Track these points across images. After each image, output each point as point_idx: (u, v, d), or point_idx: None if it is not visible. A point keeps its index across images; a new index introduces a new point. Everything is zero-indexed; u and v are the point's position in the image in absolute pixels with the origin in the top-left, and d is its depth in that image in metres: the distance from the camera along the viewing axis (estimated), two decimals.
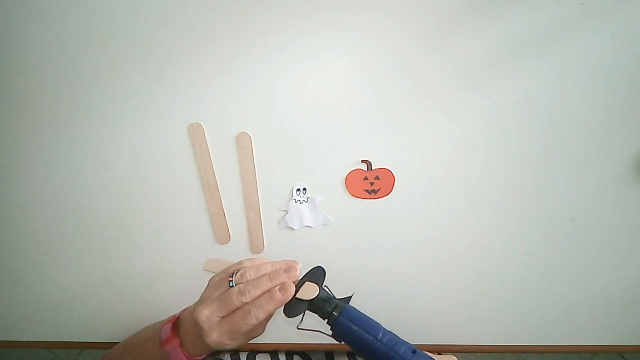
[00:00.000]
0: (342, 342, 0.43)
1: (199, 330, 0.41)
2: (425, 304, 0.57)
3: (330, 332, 0.43)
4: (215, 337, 0.41)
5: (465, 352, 0.58)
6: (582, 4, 0.48)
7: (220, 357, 0.57)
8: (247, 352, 0.58)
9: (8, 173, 0.55)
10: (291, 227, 0.55)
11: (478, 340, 0.58)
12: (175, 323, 0.48)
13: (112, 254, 0.57)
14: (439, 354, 0.63)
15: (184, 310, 0.49)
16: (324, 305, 0.42)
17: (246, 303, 0.41)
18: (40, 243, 0.57)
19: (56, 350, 1.26)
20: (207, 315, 0.41)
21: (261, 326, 0.44)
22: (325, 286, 0.45)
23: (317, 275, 0.44)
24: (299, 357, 0.58)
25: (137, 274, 0.58)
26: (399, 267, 0.56)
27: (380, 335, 0.41)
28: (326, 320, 0.43)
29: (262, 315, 0.41)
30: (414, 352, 0.40)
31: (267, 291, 0.42)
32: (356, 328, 0.41)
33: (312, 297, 0.42)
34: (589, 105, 0.50)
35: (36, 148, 0.54)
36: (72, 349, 1.06)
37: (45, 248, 0.57)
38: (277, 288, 0.42)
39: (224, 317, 0.41)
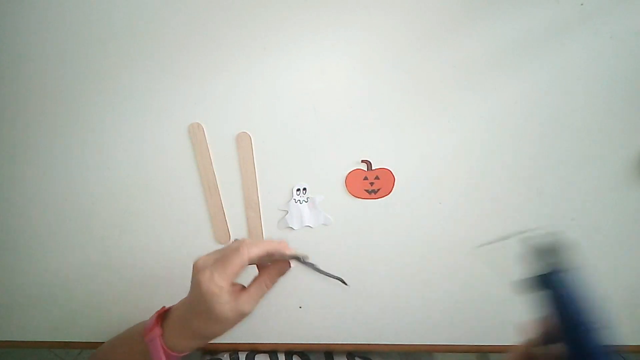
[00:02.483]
0: (540, 295, 0.40)
1: (195, 290, 0.41)
2: (425, 304, 0.57)
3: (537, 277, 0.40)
4: (207, 274, 0.40)
5: (465, 352, 0.58)
6: (582, 4, 0.48)
7: (219, 357, 0.57)
8: (247, 353, 0.58)
9: (8, 173, 0.55)
10: (291, 227, 0.55)
11: (478, 340, 0.58)
12: (162, 313, 0.47)
13: (112, 254, 0.57)
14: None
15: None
16: (548, 254, 0.40)
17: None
18: (40, 243, 0.57)
19: (56, 350, 1.26)
20: (203, 258, 0.41)
21: (252, 299, 0.42)
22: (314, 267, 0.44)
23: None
24: (298, 357, 0.58)
25: (137, 274, 0.58)
26: (398, 267, 0.56)
27: (592, 321, 0.38)
28: (539, 272, 0.40)
29: (254, 252, 0.40)
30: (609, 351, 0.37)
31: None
32: (574, 294, 0.39)
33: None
34: (589, 105, 0.50)
35: (36, 148, 0.54)
36: (72, 349, 1.06)
37: (46, 248, 0.57)
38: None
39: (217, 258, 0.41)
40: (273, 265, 0.44)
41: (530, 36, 0.49)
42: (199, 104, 0.52)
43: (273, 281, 0.43)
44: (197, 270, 0.41)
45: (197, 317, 0.42)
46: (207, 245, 0.56)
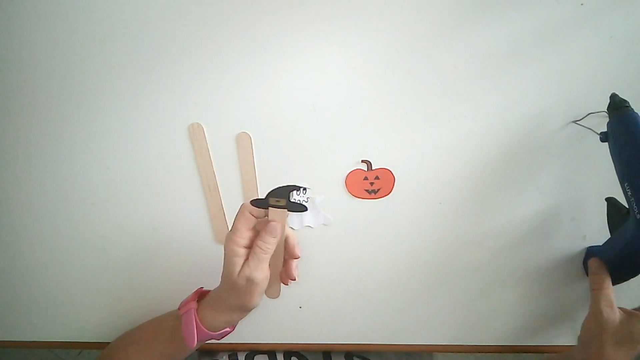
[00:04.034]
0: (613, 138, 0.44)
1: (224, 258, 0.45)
2: (425, 304, 0.57)
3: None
4: (226, 236, 0.45)
5: (465, 352, 0.58)
6: (582, 4, 0.48)
7: (217, 358, 0.57)
8: (246, 353, 0.58)
9: (8, 173, 0.55)
10: (291, 227, 0.55)
11: (478, 340, 0.58)
12: (200, 292, 0.50)
13: (112, 254, 0.57)
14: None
15: None
16: (617, 102, 0.44)
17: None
18: (40, 243, 0.57)
19: (56, 350, 1.26)
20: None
21: (252, 262, 0.44)
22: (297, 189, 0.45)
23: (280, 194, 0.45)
24: (296, 358, 0.58)
25: (137, 274, 0.58)
26: (398, 267, 0.56)
27: None
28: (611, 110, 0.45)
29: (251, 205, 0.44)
30: None
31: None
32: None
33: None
34: (589, 106, 0.50)
35: (35, 148, 0.54)
36: (72, 349, 1.06)
37: (45, 248, 0.57)
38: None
39: None
40: (263, 225, 0.45)
41: (530, 36, 0.49)
42: (199, 104, 0.52)
43: (263, 239, 0.44)
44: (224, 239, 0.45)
45: (222, 283, 0.46)
46: (207, 245, 0.56)
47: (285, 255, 0.48)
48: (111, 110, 0.53)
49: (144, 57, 0.51)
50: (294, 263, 0.48)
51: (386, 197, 0.54)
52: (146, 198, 0.55)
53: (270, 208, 0.44)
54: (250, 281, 0.43)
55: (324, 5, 0.49)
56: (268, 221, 0.44)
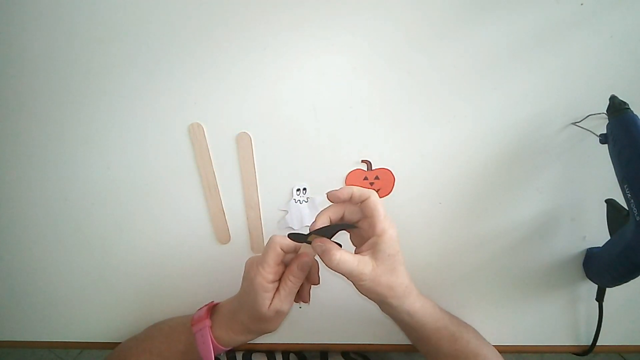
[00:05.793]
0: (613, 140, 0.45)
1: (244, 284, 0.45)
2: None
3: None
4: (255, 267, 0.43)
5: None
6: (582, 4, 0.48)
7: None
8: (243, 352, 0.58)
9: (8, 173, 0.55)
10: (291, 227, 0.55)
11: None
12: (212, 307, 0.50)
13: (112, 254, 0.57)
14: None
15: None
16: (617, 103, 0.44)
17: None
18: (40, 243, 0.57)
19: (56, 350, 1.26)
20: (252, 257, 0.46)
21: (282, 295, 0.44)
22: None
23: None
24: (294, 357, 0.58)
25: (137, 274, 0.58)
26: None
27: None
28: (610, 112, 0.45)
29: (285, 241, 0.43)
30: None
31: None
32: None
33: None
34: (589, 106, 0.50)
35: (35, 148, 0.54)
36: (72, 349, 1.06)
37: (45, 248, 0.57)
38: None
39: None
40: (293, 259, 0.45)
41: (530, 36, 0.49)
42: (199, 104, 0.52)
43: (295, 274, 0.44)
44: (247, 266, 0.45)
45: (244, 311, 0.45)
46: (207, 245, 0.56)
47: (305, 280, 0.47)
48: (111, 110, 0.53)
49: (144, 57, 0.51)
50: (310, 287, 0.48)
51: (386, 197, 0.54)
52: (146, 198, 0.55)
53: (304, 243, 0.44)
54: (278, 312, 0.44)
55: (324, 6, 0.49)
56: (298, 254, 0.45)
